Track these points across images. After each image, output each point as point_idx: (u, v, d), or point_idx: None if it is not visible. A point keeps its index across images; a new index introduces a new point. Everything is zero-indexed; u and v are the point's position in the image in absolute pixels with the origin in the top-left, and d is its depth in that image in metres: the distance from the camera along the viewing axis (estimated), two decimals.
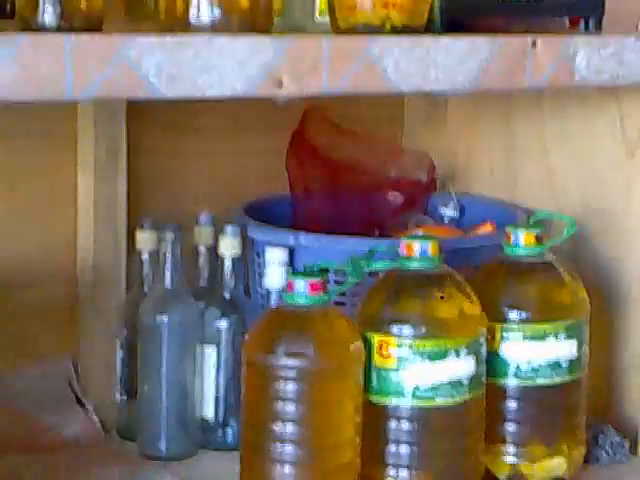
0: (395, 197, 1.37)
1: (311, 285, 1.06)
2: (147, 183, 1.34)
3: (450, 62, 0.96)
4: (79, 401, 1.27)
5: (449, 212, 1.38)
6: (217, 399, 1.21)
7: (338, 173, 1.36)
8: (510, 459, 1.15)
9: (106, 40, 0.84)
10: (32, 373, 1.26)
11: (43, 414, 1.23)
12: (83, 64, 0.82)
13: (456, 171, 1.45)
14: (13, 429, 1.20)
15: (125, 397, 1.24)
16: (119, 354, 1.24)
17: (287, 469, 1.04)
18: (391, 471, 1.08)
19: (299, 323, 1.06)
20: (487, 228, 1.30)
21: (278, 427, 1.04)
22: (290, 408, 1.04)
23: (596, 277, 1.28)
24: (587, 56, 1.04)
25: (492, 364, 1.14)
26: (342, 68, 0.92)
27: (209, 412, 1.22)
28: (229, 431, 1.21)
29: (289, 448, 1.04)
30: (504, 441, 1.15)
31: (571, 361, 1.16)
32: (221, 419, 1.22)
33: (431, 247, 1.11)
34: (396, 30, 1.00)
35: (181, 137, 1.36)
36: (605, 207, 1.29)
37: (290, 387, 1.04)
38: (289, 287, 1.07)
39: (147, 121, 1.33)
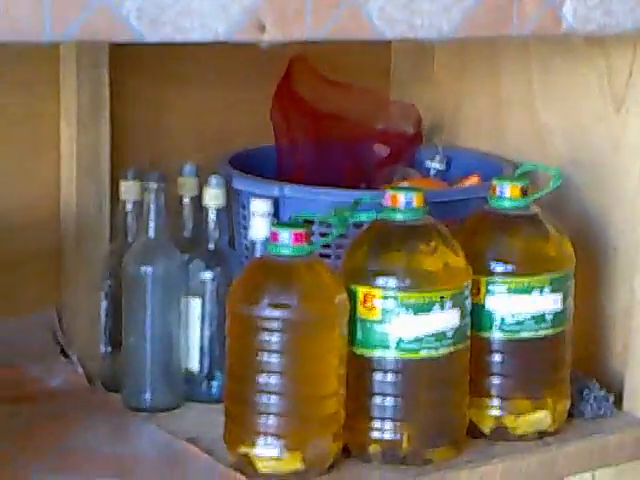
0: (381, 149, 1.36)
1: (295, 236, 1.06)
2: (131, 133, 1.33)
3: (435, 9, 0.95)
4: (63, 352, 1.27)
5: (435, 165, 1.37)
6: (202, 351, 1.21)
7: (324, 124, 1.35)
8: (494, 412, 1.15)
9: None
10: (16, 324, 1.26)
11: (27, 365, 1.22)
12: (62, 6, 0.81)
13: (443, 124, 1.44)
14: None
15: (110, 348, 1.23)
16: (103, 305, 1.23)
17: (271, 420, 1.04)
18: (376, 423, 1.08)
19: (283, 274, 1.06)
20: (473, 180, 1.29)
21: (262, 378, 1.04)
22: (274, 359, 1.04)
23: (582, 230, 1.28)
24: (573, 5, 1.03)
25: (477, 317, 1.13)
26: (326, 13, 0.91)
27: (194, 364, 1.21)
28: (214, 383, 1.21)
29: (273, 399, 1.04)
30: (489, 394, 1.15)
31: (556, 314, 1.16)
32: (206, 371, 1.21)
33: (416, 198, 1.10)
34: None
35: (166, 86, 1.35)
36: (591, 160, 1.28)
37: (274, 338, 1.04)
38: (273, 238, 1.06)
39: (131, 70, 1.32)
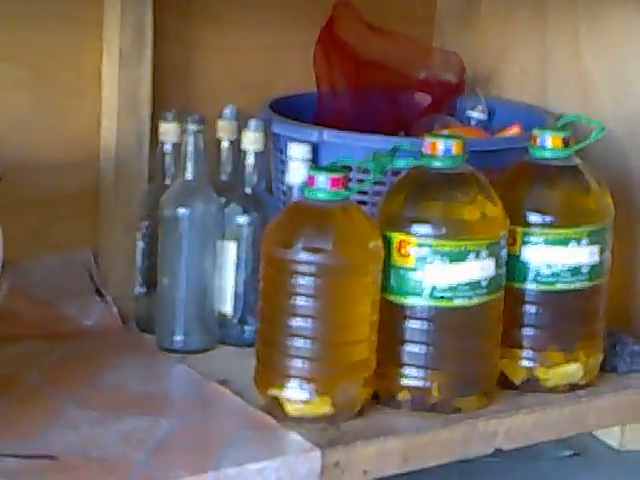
0: (423, 98, 1.35)
1: (332, 180, 1.05)
2: (172, 74, 1.33)
3: None
4: (98, 292, 1.27)
5: (477, 115, 1.36)
6: (236, 295, 1.21)
7: (366, 71, 1.34)
8: (526, 363, 1.15)
9: None
10: (53, 262, 1.27)
11: (62, 303, 1.24)
12: None
13: (486, 74, 1.43)
14: (32, 316, 1.21)
15: (144, 289, 1.24)
16: (139, 246, 1.24)
17: (302, 364, 1.04)
18: (406, 370, 1.08)
19: (318, 218, 1.06)
20: (514, 130, 1.28)
21: (294, 322, 1.04)
22: (307, 303, 1.04)
23: (622, 183, 1.26)
24: None
25: (512, 268, 1.13)
26: None
27: (227, 308, 1.22)
28: (247, 327, 1.21)
29: (304, 343, 1.04)
30: (521, 346, 1.14)
31: (592, 267, 1.15)
32: (239, 315, 1.21)
33: (455, 146, 1.09)
34: None
35: (209, 29, 1.34)
36: (635, 113, 1.26)
37: (307, 282, 1.04)
38: (310, 182, 1.06)
39: (175, 11, 1.32)
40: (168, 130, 1.23)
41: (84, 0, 1.27)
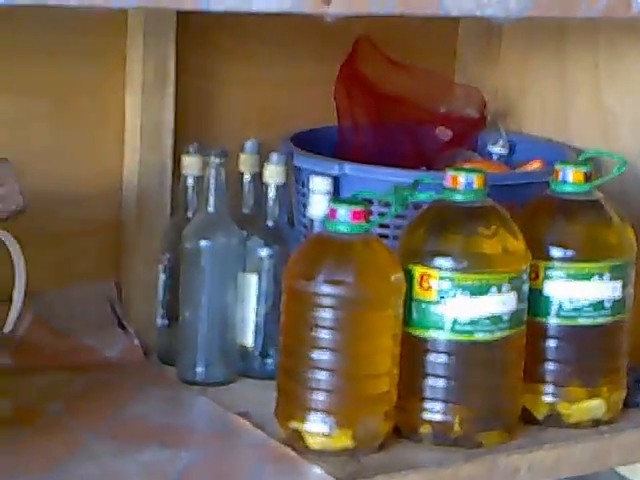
0: (444, 132, 1.36)
1: (354, 213, 1.06)
2: (194, 107, 1.34)
3: None
4: (121, 324, 1.28)
5: (498, 150, 1.36)
6: (257, 328, 1.21)
7: (387, 105, 1.34)
8: (549, 399, 1.14)
9: None
10: (75, 294, 1.27)
11: (85, 334, 1.24)
12: None
13: (507, 108, 1.43)
14: (54, 347, 1.21)
15: (166, 321, 1.24)
16: (161, 278, 1.24)
17: (323, 397, 1.04)
18: (428, 404, 1.08)
19: (340, 251, 1.06)
20: (535, 165, 1.28)
21: (315, 354, 1.04)
22: (328, 336, 1.04)
23: None
24: None
25: (535, 302, 1.12)
26: None
27: (249, 340, 1.22)
28: (268, 360, 1.21)
29: (325, 376, 1.04)
30: (543, 381, 1.14)
31: (615, 302, 1.14)
32: (260, 348, 1.22)
33: (477, 180, 1.09)
34: None
35: (231, 62, 1.35)
36: None
37: (328, 315, 1.04)
38: (331, 214, 1.06)
39: (197, 44, 1.32)
40: (190, 163, 1.24)
41: (107, 34, 1.28)
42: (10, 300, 1.04)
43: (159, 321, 1.25)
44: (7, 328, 1.03)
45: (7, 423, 1.05)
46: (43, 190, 1.24)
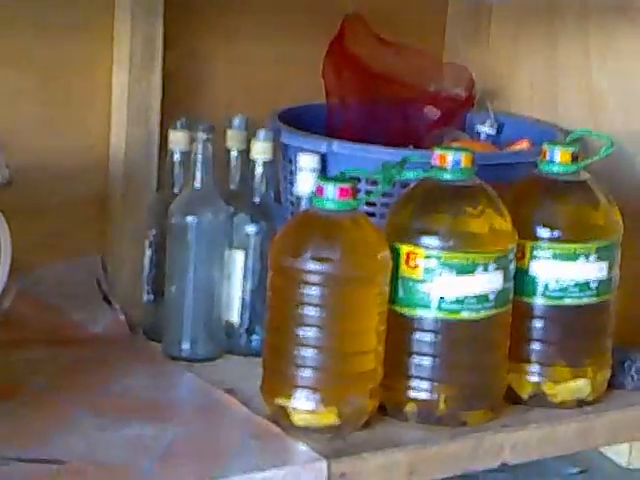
0: (432, 111, 1.35)
1: (341, 190, 1.05)
2: (182, 83, 1.33)
3: None
4: (106, 299, 1.28)
5: (486, 129, 1.36)
6: (243, 305, 1.21)
7: (375, 84, 1.34)
8: (534, 378, 1.14)
9: None
10: (61, 268, 1.27)
11: (70, 309, 1.24)
12: None
13: (496, 88, 1.43)
14: (40, 322, 1.21)
15: (152, 297, 1.24)
16: (147, 254, 1.24)
17: (308, 374, 1.04)
18: (413, 382, 1.08)
19: (327, 228, 1.06)
20: (523, 145, 1.28)
21: (301, 331, 1.04)
22: (314, 313, 1.04)
23: (631, 200, 1.26)
24: None
25: (521, 282, 1.13)
26: None
27: (235, 317, 1.22)
28: (254, 337, 1.21)
29: (311, 353, 1.04)
30: (529, 360, 1.14)
31: (600, 282, 1.15)
32: (246, 324, 1.21)
33: (464, 159, 1.09)
34: None
35: (219, 39, 1.35)
36: None
37: (315, 292, 1.04)
38: (319, 192, 1.06)
39: (185, 21, 1.32)
40: (177, 138, 1.23)
41: (95, 10, 1.27)
42: None
43: (145, 297, 1.25)
44: None
45: None
46: (29, 164, 1.24)
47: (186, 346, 1.19)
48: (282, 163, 1.26)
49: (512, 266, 1.11)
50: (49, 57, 1.26)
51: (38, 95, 1.26)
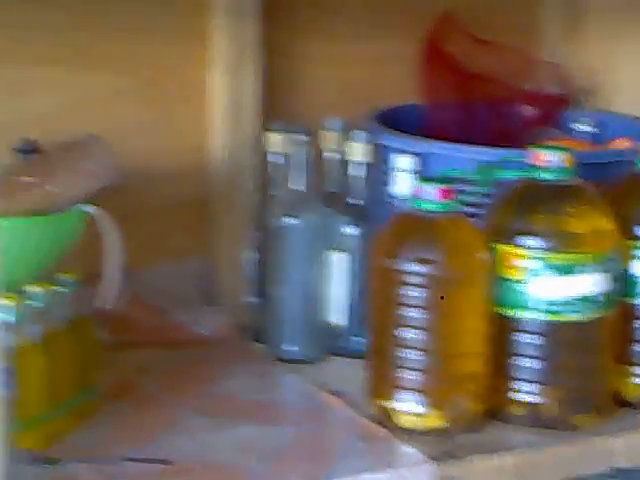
0: (529, 110, 1.35)
1: (440, 191, 1.06)
2: (278, 85, 1.34)
3: None
4: (212, 301, 1.29)
5: (584, 128, 1.35)
6: (346, 306, 1.22)
7: (471, 83, 1.34)
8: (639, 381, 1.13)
9: None
10: (166, 271, 1.29)
11: (176, 311, 1.26)
12: None
13: (594, 86, 1.42)
14: (149, 323, 1.23)
15: (256, 299, 1.26)
16: (250, 256, 1.26)
17: (412, 376, 1.05)
18: (518, 385, 1.08)
19: (426, 229, 1.06)
20: (624, 144, 1.27)
21: (403, 333, 1.05)
22: (415, 314, 1.04)
23: None
24: None
25: (622, 283, 1.11)
26: None
27: (338, 319, 1.23)
28: (357, 339, 1.21)
29: (414, 355, 1.05)
30: (634, 362, 1.13)
31: None
32: (349, 326, 1.22)
33: (564, 158, 1.09)
34: None
35: (314, 39, 1.36)
36: None
37: (416, 293, 1.04)
38: (418, 193, 1.07)
39: (281, 21, 1.33)
40: (275, 141, 1.24)
41: (191, 11, 1.29)
42: (104, 277, 1.06)
43: (249, 298, 1.27)
44: (104, 304, 1.05)
45: (105, 398, 1.08)
46: (130, 168, 1.25)
47: (290, 348, 1.21)
48: (379, 164, 1.26)
49: (615, 266, 1.10)
50: (146, 60, 1.28)
51: (136, 98, 1.28)
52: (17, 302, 0.96)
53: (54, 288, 1.02)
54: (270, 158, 1.25)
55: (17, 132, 1.14)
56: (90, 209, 1.04)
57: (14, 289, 0.98)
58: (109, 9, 1.24)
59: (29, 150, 1.13)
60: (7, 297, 0.96)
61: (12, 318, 0.96)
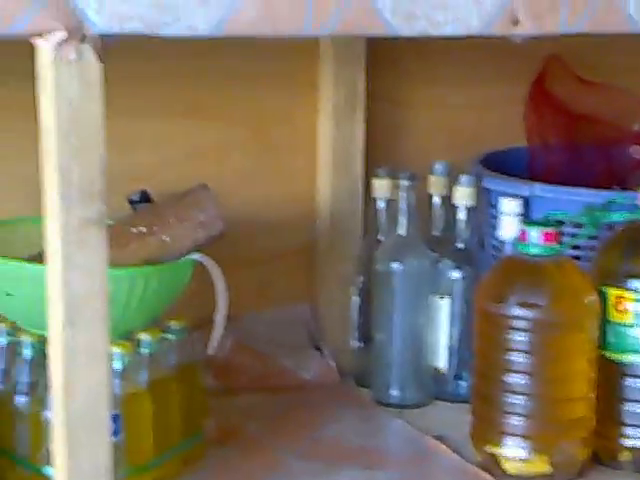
0: (637, 151, 1.33)
1: (545, 235, 1.05)
2: (384, 131, 1.35)
3: None
4: (316, 346, 1.30)
5: None
6: (450, 350, 1.22)
7: (578, 125, 1.33)
8: None
9: None
10: (271, 316, 1.30)
11: (281, 356, 1.27)
12: (321, 0, 0.83)
13: None
14: (254, 369, 1.24)
15: (360, 343, 1.26)
16: (355, 301, 1.26)
17: (518, 421, 1.04)
18: (628, 430, 1.06)
19: (532, 273, 1.05)
20: None
21: (510, 378, 1.04)
22: (522, 359, 1.04)
23: None
24: None
25: None
26: (581, 5, 0.90)
27: (442, 363, 1.22)
28: (462, 383, 1.21)
29: (521, 400, 1.04)
30: None
31: None
32: (454, 371, 1.22)
33: None
34: None
35: (418, 85, 1.36)
36: None
37: (522, 338, 1.03)
38: (522, 236, 1.06)
39: (386, 70, 1.34)
40: (381, 186, 1.25)
41: (299, 61, 1.30)
42: (212, 323, 1.08)
43: (353, 343, 1.27)
44: (211, 350, 1.06)
45: (212, 442, 1.09)
46: (238, 215, 1.28)
47: (395, 392, 1.21)
48: (485, 208, 1.26)
49: None
50: (255, 109, 1.30)
51: (245, 146, 1.30)
52: (127, 349, 0.99)
53: (163, 335, 1.04)
54: (376, 203, 1.26)
55: (131, 183, 1.17)
56: (199, 257, 1.06)
57: (125, 336, 1.01)
58: (219, 60, 1.26)
59: (142, 200, 1.16)
60: (118, 344, 0.98)
61: (121, 365, 0.98)
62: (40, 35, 0.78)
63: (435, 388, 1.22)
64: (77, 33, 0.78)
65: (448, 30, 0.89)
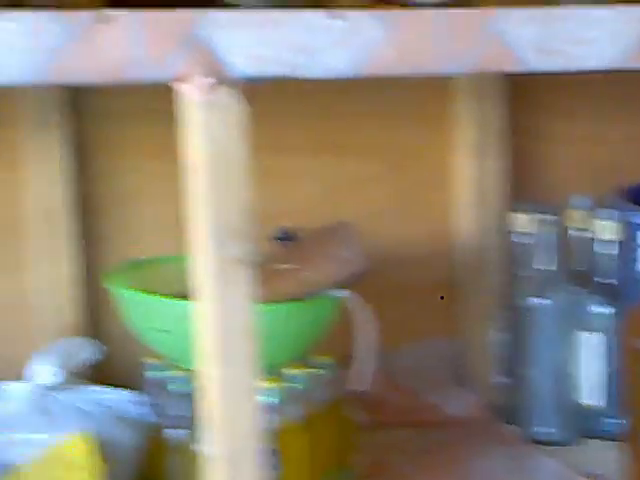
0: None
1: None
2: (523, 166, 1.35)
3: None
4: (461, 381, 1.30)
5: None
6: (600, 387, 1.20)
7: None
8: None
9: (475, 14, 0.85)
10: (416, 352, 1.30)
11: (425, 391, 1.27)
12: (457, 38, 0.84)
13: None
14: (401, 404, 1.24)
15: (505, 379, 1.25)
16: (498, 336, 1.25)
17: None
18: None
19: None
20: None
21: None
22: None
23: None
24: None
25: None
26: None
27: (591, 400, 1.20)
28: (612, 421, 1.19)
29: None
30: None
31: None
32: (604, 407, 1.20)
33: None
34: None
35: (560, 122, 1.36)
36: None
37: None
38: None
39: (525, 105, 1.34)
40: (522, 221, 1.24)
41: (436, 97, 1.31)
42: (357, 359, 1.08)
43: (497, 378, 1.26)
44: (359, 386, 1.07)
45: (363, 477, 1.09)
46: (379, 251, 1.28)
47: (543, 429, 1.19)
48: (628, 242, 1.24)
49: None
50: (392, 145, 1.31)
51: (383, 183, 1.31)
52: (279, 385, 1.00)
53: (313, 371, 1.05)
54: (516, 238, 1.25)
55: (274, 220, 1.19)
56: (343, 294, 1.07)
57: (275, 372, 1.02)
58: (355, 98, 1.28)
59: (286, 238, 1.18)
60: (269, 380, 0.99)
61: (275, 400, 0.99)
62: (183, 79, 0.80)
63: (584, 425, 1.21)
64: (220, 77, 0.80)
65: (587, 64, 0.88)
